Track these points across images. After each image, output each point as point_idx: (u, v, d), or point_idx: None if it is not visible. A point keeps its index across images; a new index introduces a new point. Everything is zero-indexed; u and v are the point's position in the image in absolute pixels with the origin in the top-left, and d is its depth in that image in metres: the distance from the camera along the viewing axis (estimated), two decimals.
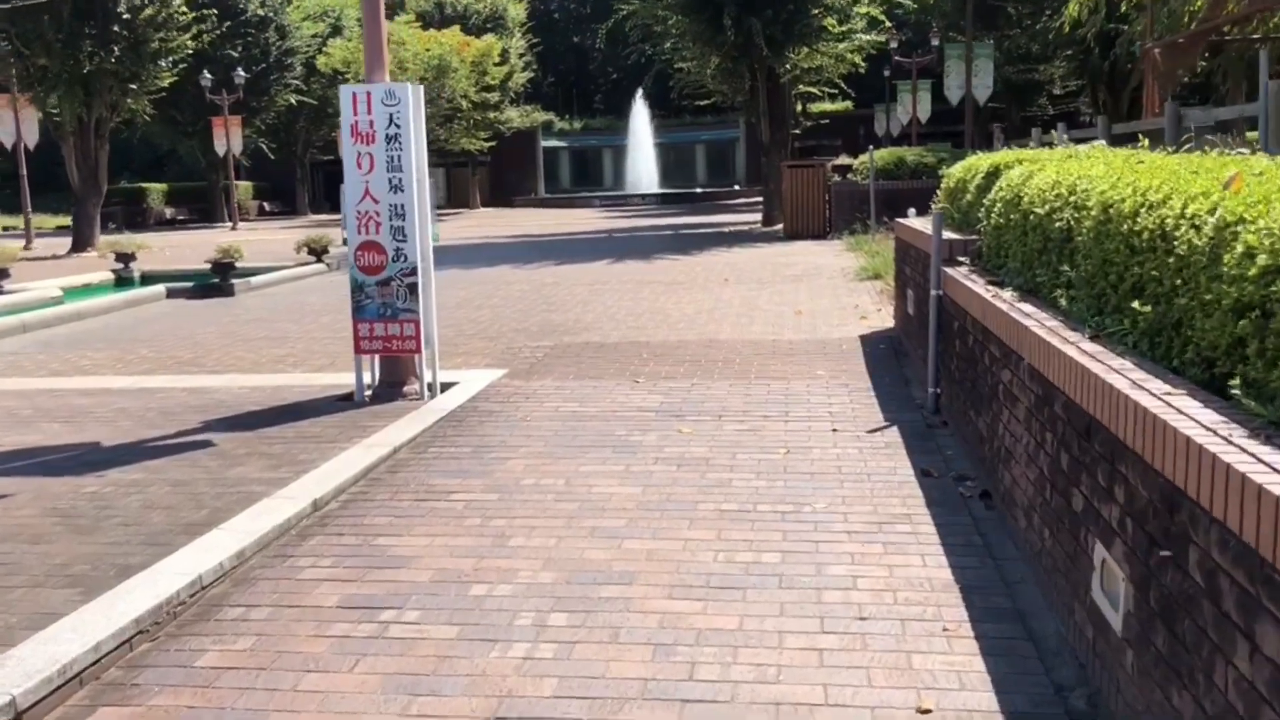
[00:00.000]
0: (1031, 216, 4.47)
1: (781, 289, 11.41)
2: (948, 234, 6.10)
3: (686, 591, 3.51)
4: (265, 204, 48.22)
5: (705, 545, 3.92)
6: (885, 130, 44.87)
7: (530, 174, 53.54)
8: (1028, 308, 4.04)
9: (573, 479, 4.79)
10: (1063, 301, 3.84)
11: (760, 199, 26.23)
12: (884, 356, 7.48)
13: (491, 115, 45.12)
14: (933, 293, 5.81)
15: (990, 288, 4.68)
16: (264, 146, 45.13)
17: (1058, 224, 4.09)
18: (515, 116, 50.70)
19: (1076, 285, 3.78)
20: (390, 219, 6.62)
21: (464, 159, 49.13)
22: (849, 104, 51.03)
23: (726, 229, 23.19)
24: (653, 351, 7.91)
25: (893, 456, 5.00)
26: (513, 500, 4.53)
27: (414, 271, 6.64)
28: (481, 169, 51.45)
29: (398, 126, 6.56)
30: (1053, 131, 7.13)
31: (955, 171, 7.12)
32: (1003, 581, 3.56)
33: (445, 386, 6.91)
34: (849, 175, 18.66)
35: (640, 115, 53.12)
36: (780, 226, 20.60)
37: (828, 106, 50.87)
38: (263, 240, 25.64)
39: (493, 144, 45.04)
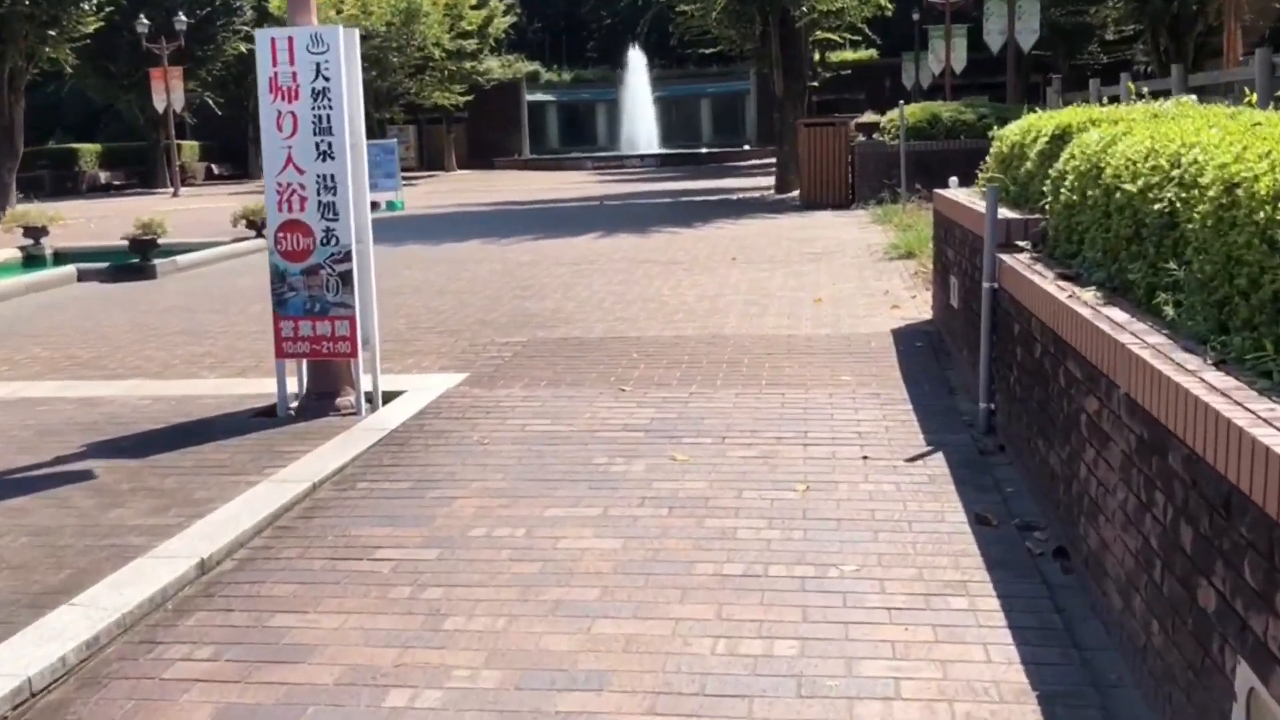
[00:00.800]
0: (1118, 194, 3.91)
1: (798, 270, 10.94)
2: (1004, 212, 5.53)
3: (675, 703, 2.94)
4: (214, 166, 47.54)
5: (701, 628, 3.35)
6: (914, 82, 44.39)
7: (513, 132, 53.05)
8: (1118, 315, 3.47)
9: (535, 527, 4.24)
10: (1167, 310, 3.27)
11: (773, 161, 25.73)
12: (922, 357, 6.95)
13: (469, 66, 44.60)
14: (985, 285, 5.25)
15: (1063, 284, 4.13)
16: (211, 101, 44.49)
17: (1156, 205, 3.54)
18: (496, 67, 50.19)
19: (1187, 288, 3.22)
20: (318, 193, 6.03)
21: (438, 115, 48.69)
22: (873, 53, 50.59)
23: (734, 196, 22.86)
24: (644, 350, 7.40)
25: (939, 495, 4.44)
26: (456, 559, 3.97)
27: (347, 256, 6.05)
28: (458, 126, 50.98)
29: (326, 79, 5.97)
30: (1131, 84, 6.53)
31: (1010, 133, 6.54)
32: (1093, 684, 3.00)
33: (389, 397, 6.36)
34: (875, 135, 18.23)
35: (638, 66, 52.67)
36: (796, 193, 20.26)
37: (849, 55, 50.36)
38: (204, 209, 25.15)
39: (470, 98, 44.46)
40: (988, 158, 6.99)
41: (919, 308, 8.62)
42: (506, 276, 11.31)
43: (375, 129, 42.46)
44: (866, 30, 28.24)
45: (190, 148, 45.78)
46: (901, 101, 16.75)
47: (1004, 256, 5.07)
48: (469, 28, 42.68)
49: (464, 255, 13.39)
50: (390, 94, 42.26)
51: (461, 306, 9.54)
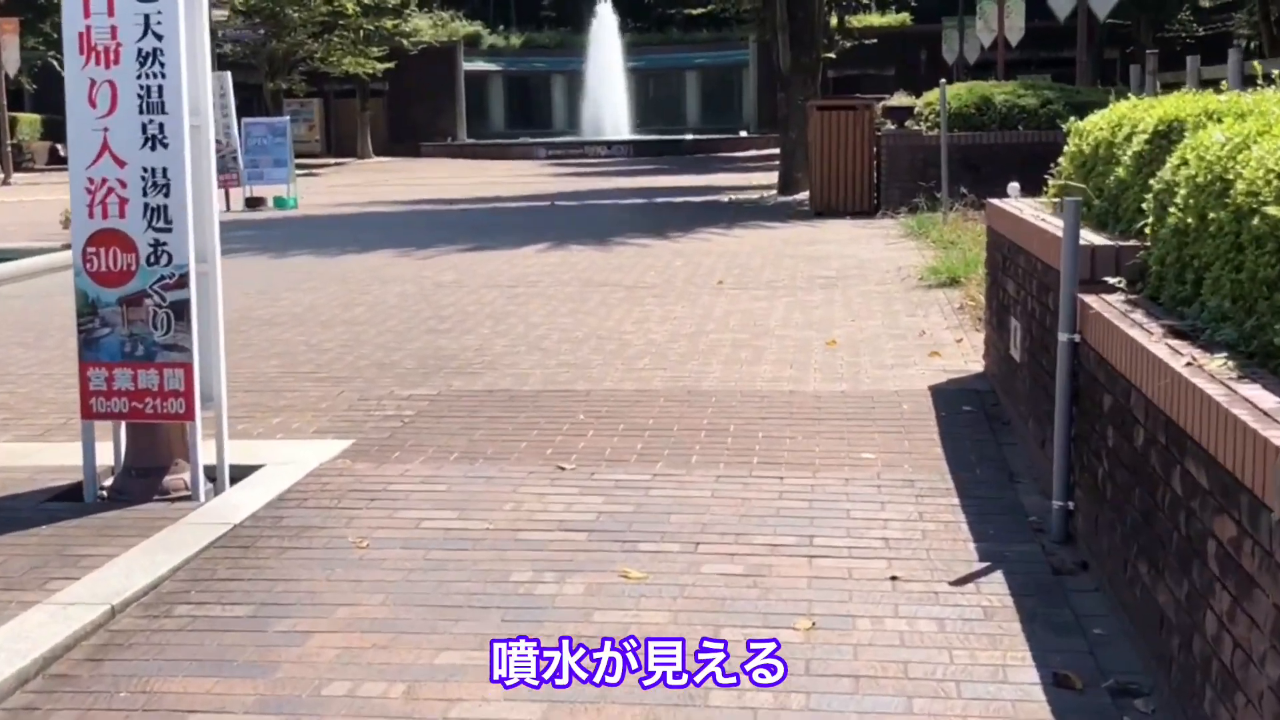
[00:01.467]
0: (1255, 220, 3.52)
1: (806, 300, 10.68)
2: (1088, 236, 5.14)
3: None
4: (59, 147, 47.08)
5: None
6: (958, 56, 44.60)
7: (446, 110, 53.07)
8: (1266, 399, 3.05)
9: (420, 683, 3.76)
10: None
11: (776, 153, 25.69)
12: (971, 426, 6.57)
13: (390, 25, 44.78)
14: (1063, 337, 4.86)
15: (1176, 344, 3.73)
16: (56, 64, 44.05)
17: None
18: (425, 27, 50.20)
19: None
20: (144, 193, 5.57)
21: (350, 87, 48.63)
22: (906, 17, 51.08)
23: (725, 197, 22.83)
24: (594, 410, 7.00)
25: (998, 639, 4.00)
26: None
27: (184, 281, 5.59)
28: (375, 102, 50.96)
29: (159, 37, 5.52)
30: (1257, 65, 6.16)
31: (1092, 127, 6.17)
32: None
33: (239, 474, 5.90)
34: (908, 123, 18.16)
35: (606, 28, 52.93)
36: (805, 196, 20.14)
37: (875, 20, 50.80)
38: (40, 204, 24.73)
39: (392, 66, 44.50)
40: (1060, 159, 6.64)
41: (966, 355, 8.30)
42: (420, 302, 10.98)
43: (267, 104, 42.26)
44: None
45: (29, 122, 45.19)
46: (943, 81, 16.63)
47: (1088, 298, 4.70)
48: None
49: (368, 272, 13.10)
50: (288, 59, 42.12)
51: (355, 343, 9.14)
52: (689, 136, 49.75)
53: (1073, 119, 6.61)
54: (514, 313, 10.28)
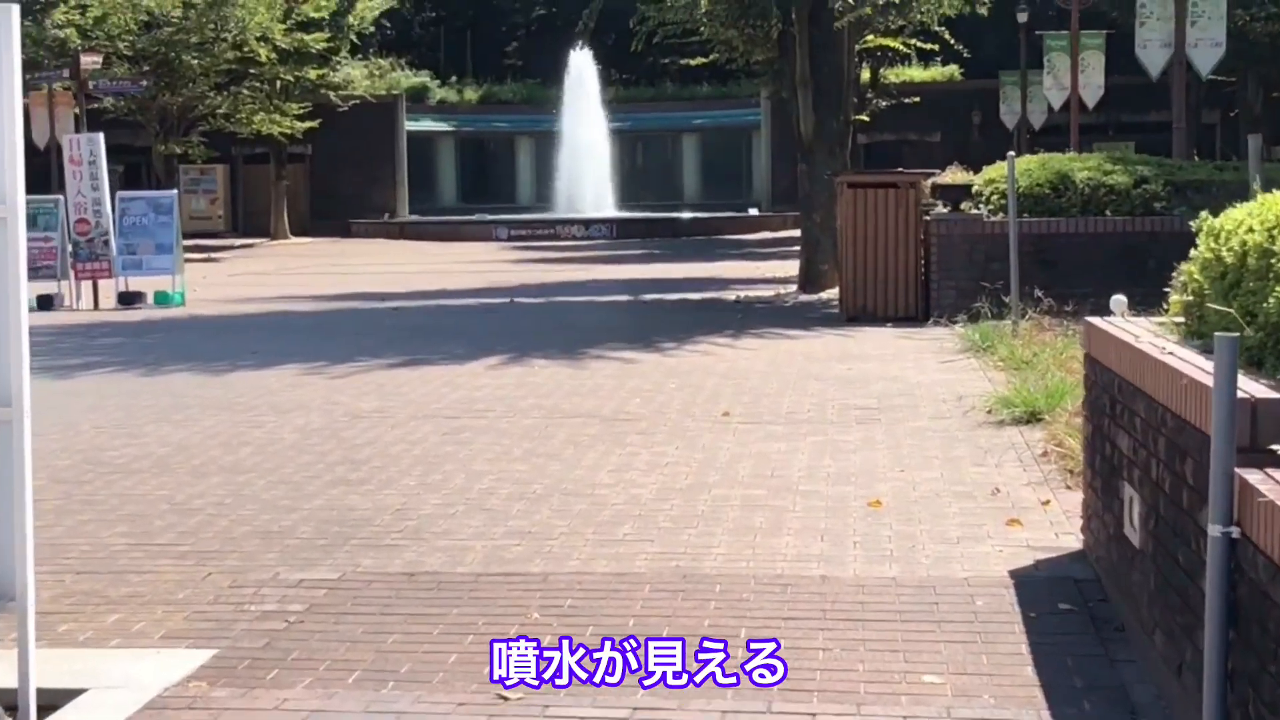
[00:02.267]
0: None
1: (839, 439, 10.21)
2: (1246, 385, 4.59)
3: None
4: None
5: None
6: (1020, 119, 44.99)
7: (384, 179, 53.34)
8: None
9: None
10: None
11: (797, 237, 25.58)
12: (1071, 634, 6.03)
13: (314, 75, 45.02)
14: (1213, 530, 4.30)
15: None
16: None
17: None
18: (359, 78, 50.60)
19: None
20: None
21: (263, 150, 48.71)
22: (954, 70, 51.53)
23: (733, 295, 22.75)
24: (554, 603, 6.44)
25: None
26: None
27: None
28: (295, 169, 51.21)
29: None
30: None
31: (1233, 226, 5.64)
32: None
33: (54, 701, 5.28)
34: (964, 205, 17.96)
35: (584, 81, 53.44)
36: (833, 295, 20.06)
37: (917, 74, 51.29)
38: None
39: (315, 125, 44.46)
40: (1187, 266, 6.10)
41: (1057, 525, 7.78)
42: (328, 440, 10.46)
43: (158, 172, 42.10)
44: (946, 35, 28.29)
45: None
46: (1010, 153, 16.34)
47: (1250, 475, 4.17)
48: (315, 14, 42.89)
49: (263, 396, 12.66)
50: (185, 116, 42.06)
51: (235, 500, 8.58)
52: (686, 215, 50.02)
53: (1204, 215, 6.08)
54: (452, 456, 9.74)
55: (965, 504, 8.24)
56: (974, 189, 18.28)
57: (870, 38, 27.19)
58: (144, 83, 31.20)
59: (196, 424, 11.24)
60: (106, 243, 21.98)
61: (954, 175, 19.64)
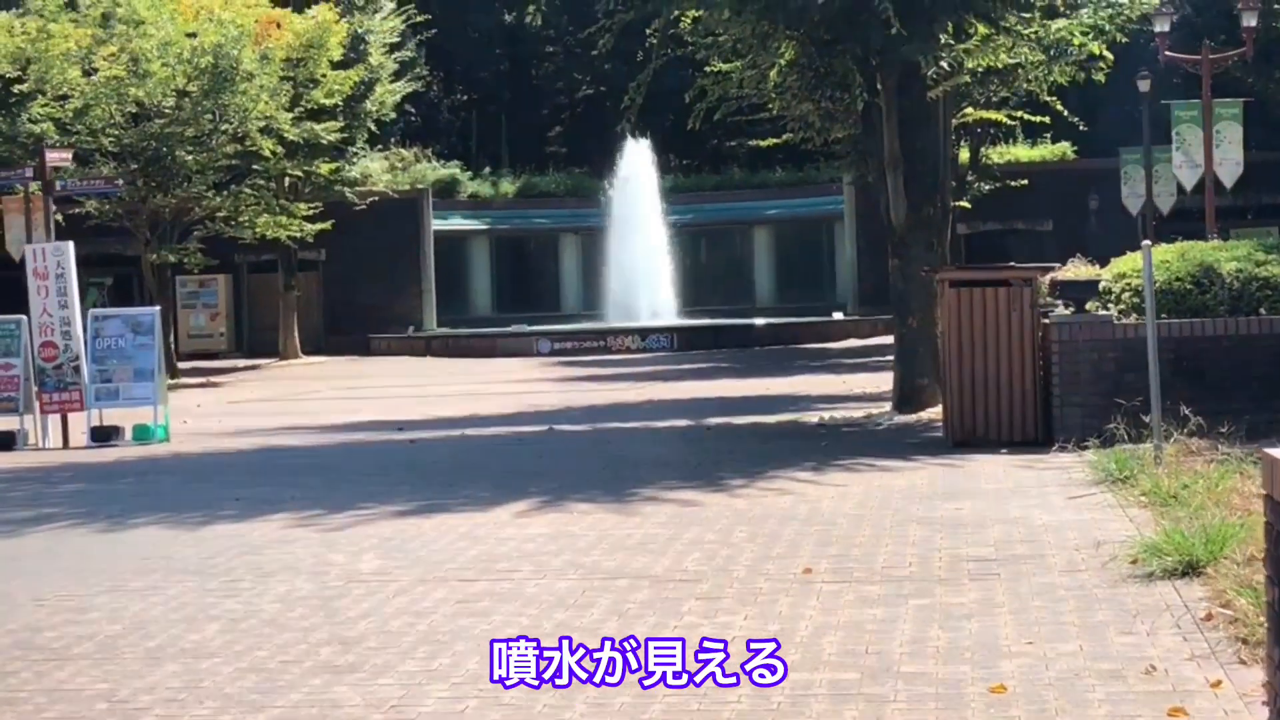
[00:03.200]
0: None
1: (949, 603, 9.53)
2: None
3: None
4: None
5: None
6: (1145, 202, 44.29)
7: (407, 287, 53.48)
8: None
9: None
10: None
11: (889, 344, 25.12)
12: None
13: (326, 170, 44.93)
14: None
15: None
16: None
17: None
18: (379, 172, 50.72)
19: None
20: None
21: (270, 257, 48.74)
22: (1066, 148, 51.19)
23: (815, 417, 22.31)
24: None
25: None
26: None
27: None
28: (307, 277, 51.27)
29: None
30: None
31: None
32: None
33: None
34: (1090, 305, 17.61)
35: (638, 169, 53.34)
36: (936, 415, 19.65)
37: (1023, 153, 51.10)
38: None
39: (327, 226, 44.49)
40: None
41: (1235, 712, 7.10)
42: (316, 612, 9.84)
43: (149, 283, 41.94)
44: (1058, 106, 27.97)
45: None
46: (1146, 242, 15.77)
47: None
48: (327, 101, 42.76)
49: (244, 554, 12.10)
50: (179, 219, 42.04)
51: (191, 697, 7.95)
52: (759, 321, 49.90)
53: None
54: (466, 632, 9.07)
55: (1113, 687, 7.57)
56: (1101, 286, 17.90)
57: (969, 111, 27.25)
58: (120, 181, 30.96)
59: (158, 593, 10.66)
60: (77, 369, 21.58)
61: (1076, 270, 19.22)
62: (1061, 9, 22.44)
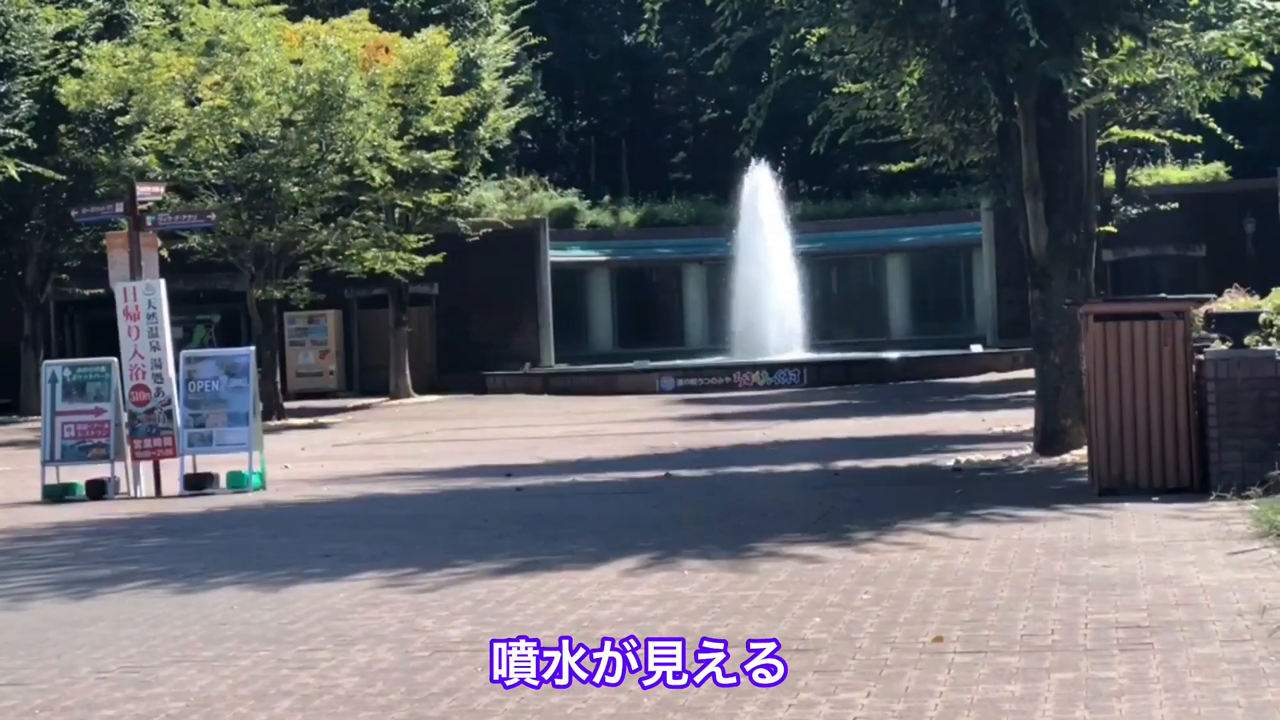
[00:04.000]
0: None
1: (1098, 677, 8.92)
2: None
3: None
4: None
5: None
6: None
7: (524, 322, 53.56)
8: None
9: None
10: None
11: (1029, 378, 24.71)
12: None
13: (437, 200, 44.79)
14: None
15: None
16: None
17: None
18: (494, 201, 50.63)
19: None
20: None
21: (381, 291, 48.75)
22: (1219, 168, 50.24)
23: (949, 457, 22.19)
24: None
25: None
26: None
27: None
28: (419, 312, 51.13)
29: None
30: None
31: None
32: None
33: None
34: (1249, 339, 17.05)
35: (764, 196, 53.10)
36: (1080, 458, 19.13)
37: (1173, 174, 50.16)
38: None
39: (439, 260, 44.24)
40: None
41: None
42: (398, 687, 9.37)
43: (254, 320, 41.99)
44: (1211, 124, 27.33)
45: None
46: None
47: None
48: (438, 129, 42.62)
49: (326, 619, 11.74)
50: (285, 254, 42.12)
51: None
52: (893, 355, 49.59)
53: None
54: (556, 712, 8.56)
55: None
56: (1261, 318, 17.34)
57: (1115, 130, 26.73)
58: (213, 215, 30.83)
59: (229, 665, 10.23)
60: (170, 414, 21.36)
61: (1233, 301, 18.68)
62: (1214, 19, 21.75)
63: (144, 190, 23.42)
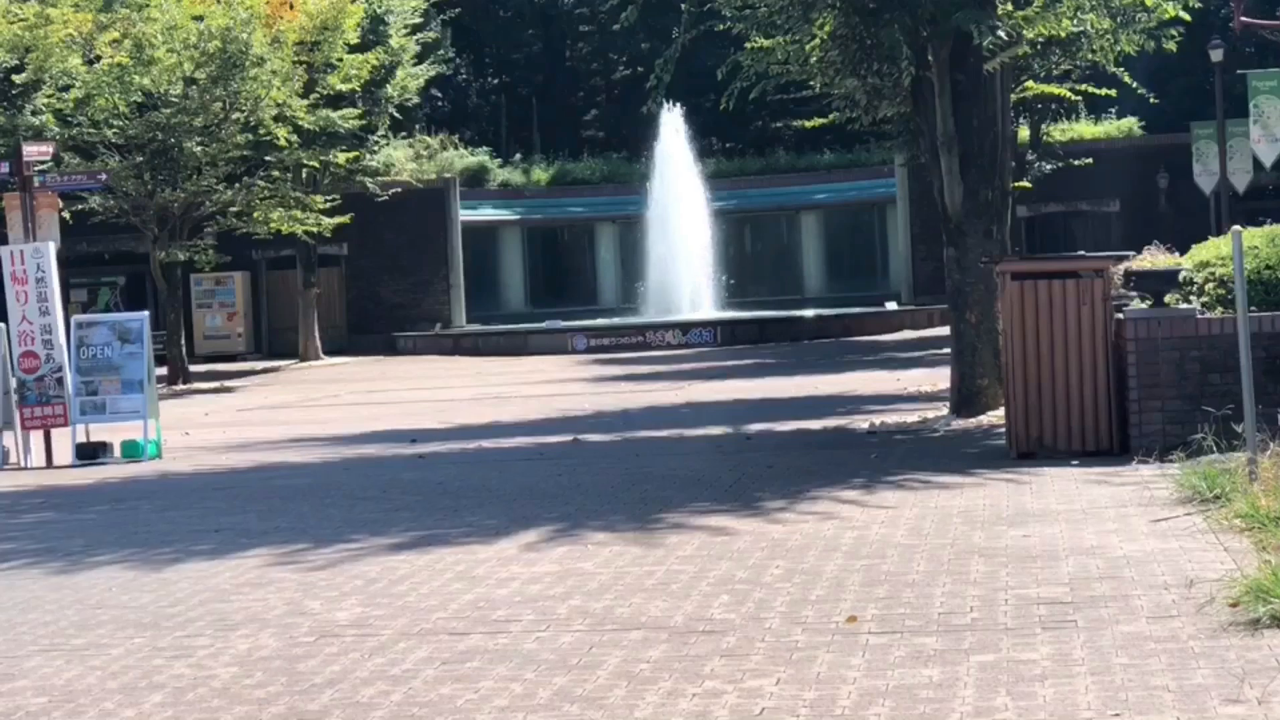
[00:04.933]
0: None
1: (1018, 659, 8.57)
2: None
3: None
4: None
5: None
6: (1219, 179, 43.32)
7: (434, 282, 53.30)
8: None
9: None
10: None
11: (945, 338, 24.66)
12: None
13: (345, 158, 44.52)
14: None
15: None
16: None
17: None
18: (402, 159, 50.07)
19: None
20: None
21: (289, 252, 48.20)
22: (1133, 123, 50.33)
23: (864, 419, 21.92)
24: None
25: None
26: None
27: None
28: (328, 273, 50.74)
29: None
30: None
31: None
32: None
33: None
34: (1169, 298, 16.93)
35: (678, 153, 52.67)
36: (998, 419, 18.95)
37: (1088, 129, 50.30)
38: None
39: (347, 220, 43.99)
40: None
41: None
42: (278, 677, 8.87)
43: (158, 282, 41.28)
44: (1126, 78, 27.15)
45: None
46: (1235, 228, 14.83)
47: None
48: (344, 87, 42.32)
49: (208, 601, 11.24)
50: (189, 215, 41.46)
51: None
52: (808, 313, 49.49)
53: None
54: (445, 705, 8.08)
55: None
56: (1181, 276, 17.24)
57: (1029, 85, 26.55)
58: (103, 175, 30.08)
59: (100, 654, 9.69)
60: (61, 381, 20.71)
61: (1153, 258, 18.60)
62: None
63: (31, 150, 22.69)
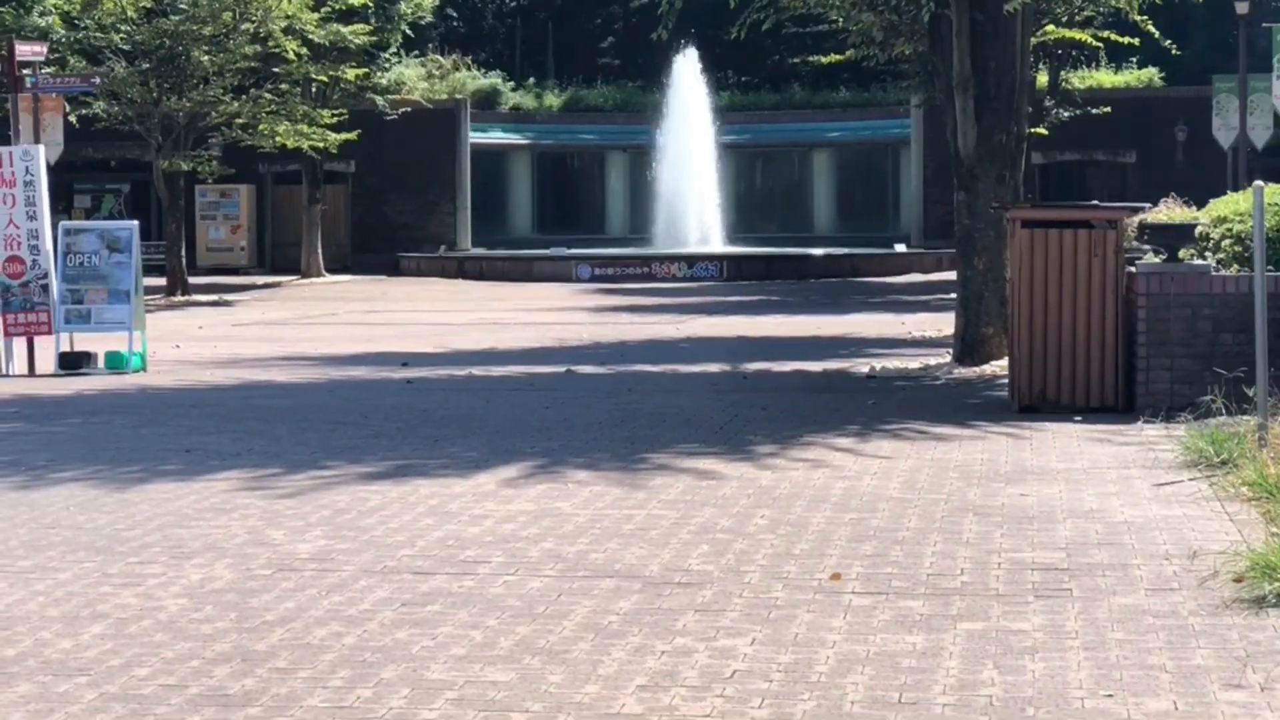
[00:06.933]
0: None
1: (1008, 629, 8.29)
2: None
3: None
4: None
5: None
6: (1239, 134, 43.06)
7: (441, 203, 53.26)
8: None
9: None
10: None
11: (952, 283, 24.63)
12: None
13: (353, 75, 44.44)
14: None
15: None
16: None
17: None
18: (414, 78, 49.88)
19: None
20: None
21: (294, 168, 48.08)
22: (1153, 73, 50.02)
23: (865, 363, 21.71)
24: None
25: None
26: None
27: None
28: (334, 191, 50.55)
29: None
30: None
31: None
32: None
33: None
34: (1183, 252, 16.80)
35: (691, 84, 52.93)
36: (1001, 369, 18.80)
37: (1108, 78, 50.02)
38: None
39: (354, 137, 43.77)
40: None
41: None
42: (228, 612, 8.54)
43: (160, 193, 40.98)
44: (1149, 27, 26.86)
45: None
46: (1259, 184, 14.45)
47: None
48: (356, 2, 42.53)
49: (168, 525, 10.95)
50: (194, 125, 41.20)
51: None
52: (816, 251, 49.57)
53: None
54: (400, 650, 7.73)
55: None
56: (1197, 231, 17.08)
57: (1050, 29, 26.54)
58: (96, 79, 29.70)
59: (46, 578, 9.37)
60: (46, 288, 20.37)
61: (1169, 211, 18.37)
62: None
63: (25, 50, 22.28)
